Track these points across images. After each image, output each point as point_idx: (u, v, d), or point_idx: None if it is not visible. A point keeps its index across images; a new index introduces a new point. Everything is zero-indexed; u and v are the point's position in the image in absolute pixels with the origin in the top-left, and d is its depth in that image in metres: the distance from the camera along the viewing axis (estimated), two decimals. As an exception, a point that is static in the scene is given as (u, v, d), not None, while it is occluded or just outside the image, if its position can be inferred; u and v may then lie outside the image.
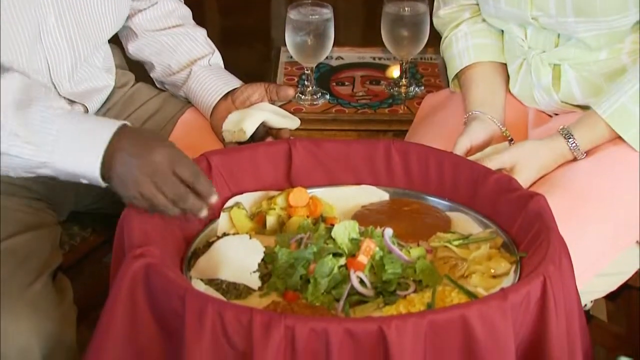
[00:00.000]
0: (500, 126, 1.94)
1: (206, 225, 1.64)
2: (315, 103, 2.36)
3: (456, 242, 1.59)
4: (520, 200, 1.58)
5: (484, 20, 2.04)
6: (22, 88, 1.55)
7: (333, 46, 2.33)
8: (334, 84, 2.46)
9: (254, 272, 1.53)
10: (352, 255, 1.52)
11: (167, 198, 1.51)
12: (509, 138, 1.93)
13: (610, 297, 1.93)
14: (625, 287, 1.91)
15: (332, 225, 1.58)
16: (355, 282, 1.49)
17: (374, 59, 2.58)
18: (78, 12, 1.79)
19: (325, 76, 2.49)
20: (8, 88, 1.54)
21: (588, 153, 1.82)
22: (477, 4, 2.04)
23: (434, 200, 1.71)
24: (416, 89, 2.42)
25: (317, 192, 1.71)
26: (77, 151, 1.52)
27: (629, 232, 1.80)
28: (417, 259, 1.53)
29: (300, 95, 2.37)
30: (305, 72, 2.37)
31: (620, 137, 1.80)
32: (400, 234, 1.59)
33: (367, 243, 1.51)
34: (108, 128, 1.52)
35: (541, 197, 1.57)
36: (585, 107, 1.91)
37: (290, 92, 1.96)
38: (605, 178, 1.79)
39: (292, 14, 2.29)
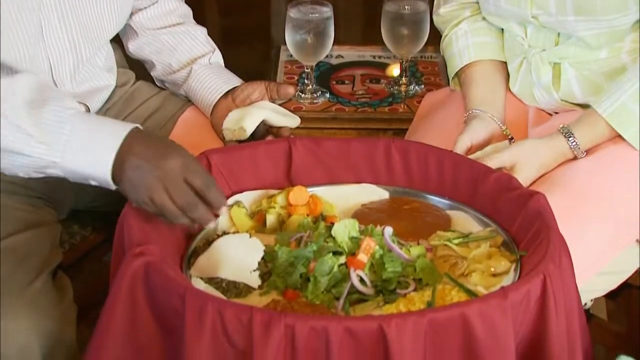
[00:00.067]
0: (501, 125, 1.94)
1: (206, 223, 1.64)
2: (315, 101, 2.36)
3: (456, 241, 1.59)
4: (521, 199, 1.58)
5: (484, 18, 2.04)
6: (36, 88, 1.54)
7: (333, 45, 2.33)
8: (334, 82, 2.46)
9: (254, 270, 1.53)
10: (352, 253, 1.52)
11: (176, 206, 1.49)
12: (509, 137, 1.93)
13: (610, 295, 1.93)
14: (625, 286, 1.91)
15: (332, 223, 1.58)
16: (355, 281, 1.49)
17: (374, 57, 2.58)
18: (81, 13, 1.79)
19: (325, 75, 2.49)
20: (22, 87, 1.53)
21: (588, 152, 1.82)
22: (477, 2, 2.04)
23: (434, 199, 1.71)
24: (416, 87, 2.42)
25: (317, 190, 1.71)
26: (88, 152, 1.50)
27: (629, 231, 1.80)
28: (417, 258, 1.53)
29: (300, 93, 2.37)
30: (305, 70, 2.37)
31: (620, 136, 1.80)
32: (400, 233, 1.59)
33: (367, 241, 1.51)
34: (121, 130, 1.51)
35: (541, 195, 1.57)
36: (585, 106, 1.91)
37: (291, 90, 1.96)
38: (605, 177, 1.79)
39: (292, 13, 2.29)
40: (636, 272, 1.88)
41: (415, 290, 1.49)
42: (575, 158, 1.82)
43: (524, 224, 1.56)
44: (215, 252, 1.55)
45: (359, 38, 3.41)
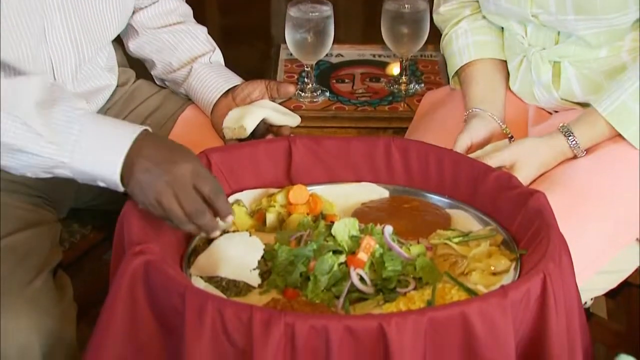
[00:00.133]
0: (501, 123, 1.94)
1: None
2: (315, 100, 2.36)
3: (456, 240, 1.59)
4: (520, 198, 1.58)
5: (484, 17, 2.04)
6: (46, 88, 1.54)
7: (333, 43, 2.33)
8: (334, 81, 2.46)
9: (254, 269, 1.53)
10: (352, 252, 1.52)
11: (184, 211, 1.49)
12: (509, 135, 1.93)
13: (610, 294, 1.93)
14: (625, 285, 1.91)
15: (332, 222, 1.58)
16: (355, 280, 1.49)
17: (374, 56, 2.58)
18: (83, 13, 1.79)
19: (325, 73, 2.49)
20: (32, 88, 1.53)
21: (588, 151, 1.82)
22: (477, 1, 2.04)
23: (434, 198, 1.71)
24: (416, 86, 2.42)
25: (317, 189, 1.71)
26: (97, 153, 1.50)
27: (629, 230, 1.80)
28: (417, 257, 1.53)
29: (300, 92, 2.37)
30: (305, 69, 2.37)
31: (620, 135, 1.80)
32: (400, 232, 1.59)
33: (367, 240, 1.51)
34: (130, 132, 1.51)
35: (541, 194, 1.57)
36: (585, 105, 1.91)
37: (291, 89, 1.96)
38: (605, 176, 1.79)
39: (292, 11, 2.29)
40: (636, 270, 1.88)
41: (415, 289, 1.49)
42: (575, 157, 1.82)
43: (524, 222, 1.56)
44: (215, 251, 1.55)
45: (359, 37, 3.41)
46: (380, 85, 2.44)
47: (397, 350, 1.30)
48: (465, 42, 2.03)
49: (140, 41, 2.04)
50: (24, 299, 1.61)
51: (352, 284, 1.48)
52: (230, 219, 1.53)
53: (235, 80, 1.98)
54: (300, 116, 1.94)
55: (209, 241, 1.59)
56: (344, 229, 1.55)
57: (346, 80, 2.46)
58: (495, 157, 1.77)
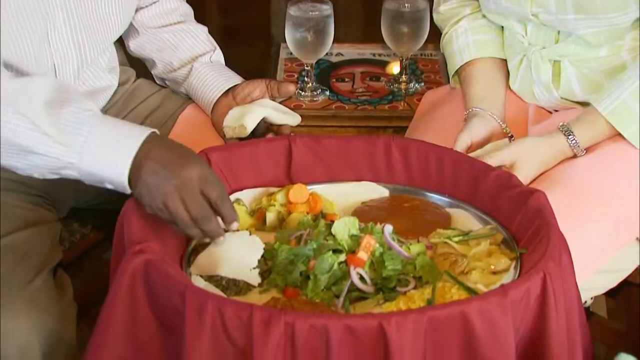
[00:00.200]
0: (501, 123, 1.94)
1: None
2: (315, 99, 2.36)
3: (456, 239, 1.58)
4: (520, 197, 1.58)
5: (484, 16, 2.04)
6: (55, 89, 1.54)
7: (333, 42, 2.33)
8: (334, 80, 2.46)
9: (254, 268, 1.53)
10: (352, 251, 1.52)
11: (190, 216, 1.49)
12: (509, 135, 1.93)
13: (610, 293, 1.93)
14: (625, 284, 1.91)
15: (332, 221, 1.58)
16: (355, 279, 1.49)
17: (374, 55, 2.58)
18: (86, 14, 1.79)
19: (325, 72, 2.49)
20: (41, 88, 1.53)
21: (588, 150, 1.82)
22: (477, 0, 2.04)
23: (434, 197, 1.71)
24: (416, 85, 2.42)
25: (317, 188, 1.71)
26: (106, 154, 1.50)
27: (629, 230, 1.80)
28: (417, 256, 1.53)
29: (300, 91, 2.37)
30: (305, 68, 2.37)
31: (620, 134, 1.80)
32: (400, 231, 1.59)
33: (367, 239, 1.51)
34: (139, 134, 1.50)
35: (541, 193, 1.57)
36: (585, 104, 1.91)
37: (292, 88, 1.96)
38: (605, 175, 1.79)
39: (292, 10, 2.29)
40: (636, 270, 1.88)
41: (415, 288, 1.49)
42: (575, 156, 1.82)
43: (524, 221, 1.56)
44: (215, 250, 1.55)
45: (359, 36, 3.41)
46: (380, 84, 2.44)
47: (397, 349, 1.30)
48: (465, 41, 2.03)
49: (140, 40, 2.04)
50: (24, 298, 1.61)
51: (352, 283, 1.48)
52: (235, 225, 1.53)
53: (236, 79, 1.98)
54: (301, 115, 1.94)
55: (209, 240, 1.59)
56: (344, 228, 1.55)
57: (346, 80, 2.46)
58: (495, 156, 1.77)
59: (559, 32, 1.91)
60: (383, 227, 1.56)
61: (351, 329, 1.30)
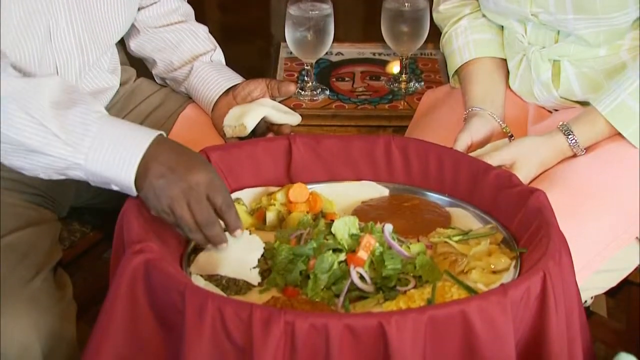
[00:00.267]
0: (500, 122, 1.94)
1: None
2: (315, 99, 2.36)
3: (456, 238, 1.58)
4: (520, 196, 1.58)
5: (483, 15, 2.04)
6: (63, 89, 1.54)
7: (333, 42, 2.33)
8: (334, 79, 2.46)
9: (254, 268, 1.53)
10: (352, 251, 1.52)
11: (195, 220, 1.49)
12: (509, 134, 1.93)
13: (610, 293, 1.93)
14: (625, 283, 1.91)
15: (332, 221, 1.58)
16: (355, 278, 1.49)
17: (374, 54, 2.58)
18: (89, 16, 1.79)
19: (325, 72, 2.49)
20: (49, 88, 1.53)
21: (588, 149, 1.82)
22: (477, 0, 2.04)
23: (434, 196, 1.71)
24: (416, 84, 2.42)
25: (317, 187, 1.71)
26: (113, 155, 1.49)
27: (629, 229, 1.80)
28: (417, 255, 1.53)
29: (300, 91, 2.37)
30: (305, 67, 2.37)
31: (620, 134, 1.80)
32: (400, 230, 1.59)
33: (367, 239, 1.51)
34: (146, 136, 1.50)
35: (541, 193, 1.57)
36: (584, 103, 1.91)
37: (292, 87, 1.96)
38: (605, 174, 1.79)
39: (292, 10, 2.29)
40: (636, 269, 1.88)
41: (415, 287, 1.49)
42: (574, 156, 1.82)
43: (523, 221, 1.56)
44: (215, 250, 1.55)
45: (359, 35, 3.40)
46: (380, 83, 2.44)
47: (397, 348, 1.30)
48: (465, 41, 2.03)
49: (141, 40, 2.04)
50: (23, 297, 1.61)
51: (352, 283, 1.48)
52: (238, 233, 1.52)
53: (236, 79, 1.98)
54: (301, 115, 1.94)
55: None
56: (344, 227, 1.55)
57: (346, 79, 2.46)
58: (495, 156, 1.77)
59: (558, 32, 1.91)
60: (383, 226, 1.56)
61: (351, 328, 1.30)
